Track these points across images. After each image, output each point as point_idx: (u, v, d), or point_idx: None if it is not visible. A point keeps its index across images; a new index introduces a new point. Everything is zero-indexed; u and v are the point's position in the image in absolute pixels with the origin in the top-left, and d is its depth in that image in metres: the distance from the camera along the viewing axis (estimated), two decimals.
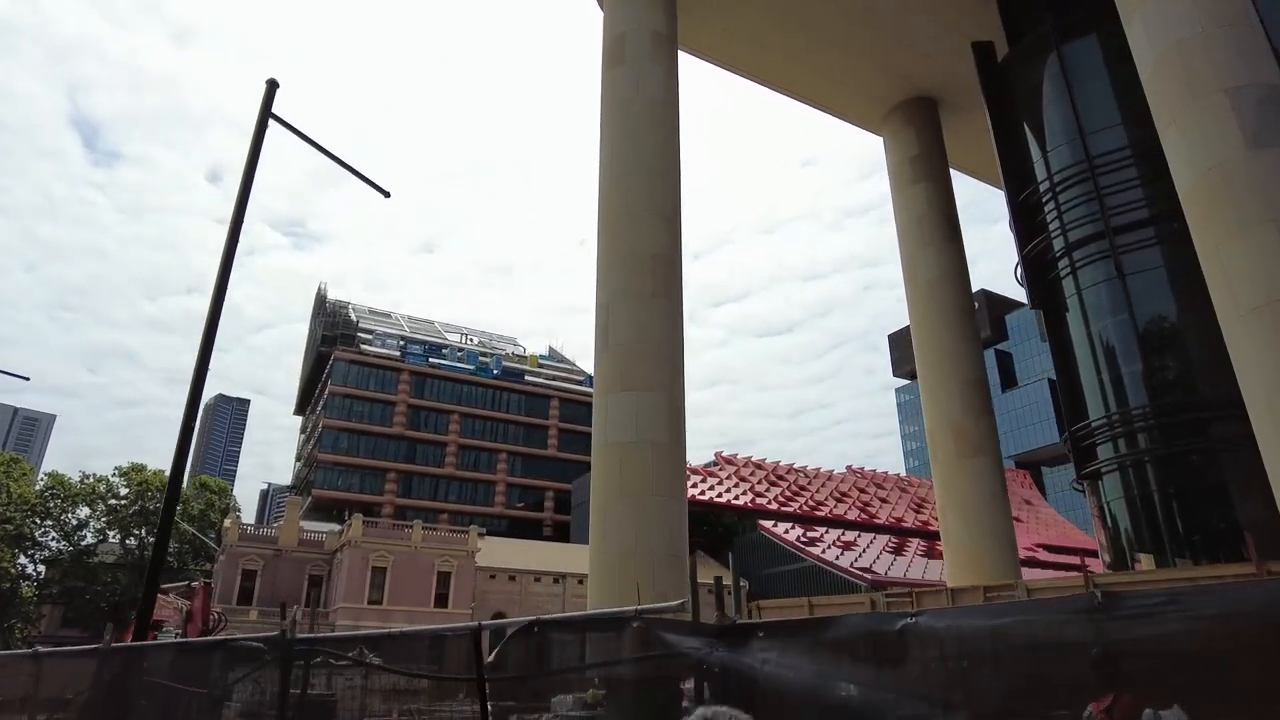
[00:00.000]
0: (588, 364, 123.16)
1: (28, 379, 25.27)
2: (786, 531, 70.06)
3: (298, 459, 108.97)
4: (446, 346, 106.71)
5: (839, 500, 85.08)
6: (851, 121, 32.17)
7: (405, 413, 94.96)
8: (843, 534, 71.96)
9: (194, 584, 19.48)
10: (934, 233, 27.71)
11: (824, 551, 64.56)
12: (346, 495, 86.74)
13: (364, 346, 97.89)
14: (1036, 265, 21.17)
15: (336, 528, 61.53)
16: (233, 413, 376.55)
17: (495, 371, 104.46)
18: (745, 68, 29.10)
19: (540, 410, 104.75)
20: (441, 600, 53.44)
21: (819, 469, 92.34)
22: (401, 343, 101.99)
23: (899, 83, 29.58)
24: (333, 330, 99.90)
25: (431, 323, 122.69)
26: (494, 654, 4.11)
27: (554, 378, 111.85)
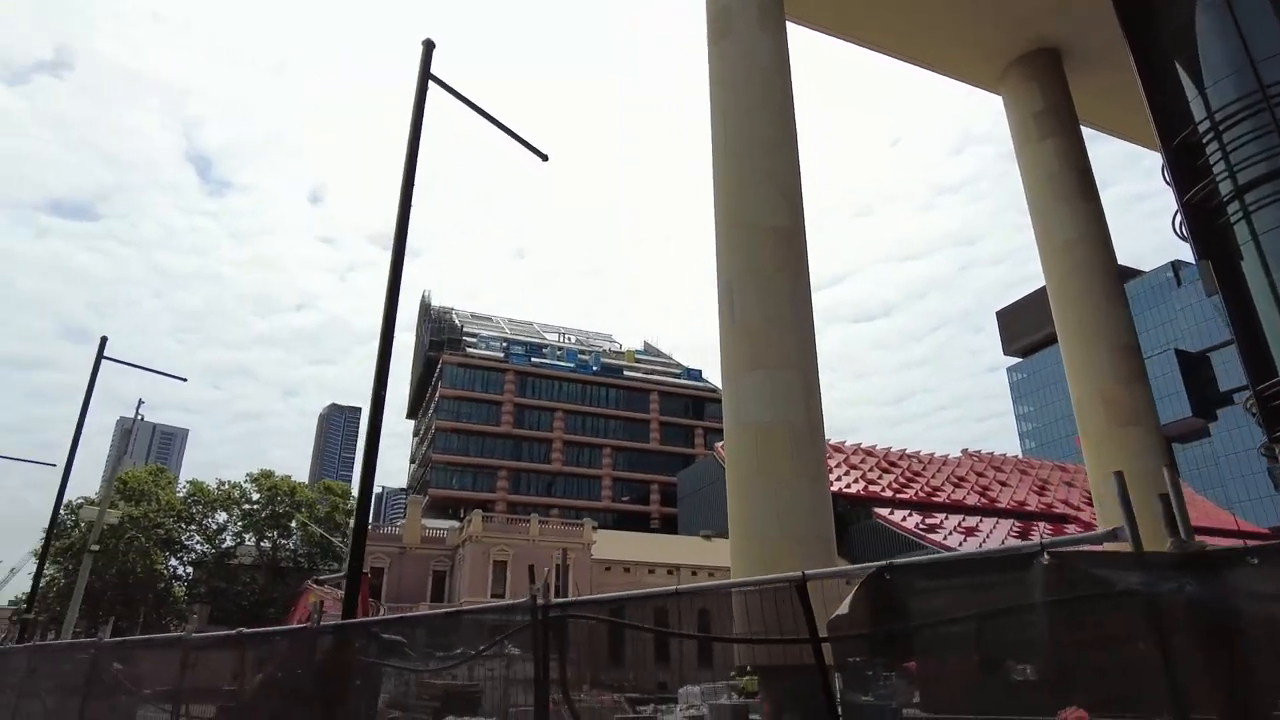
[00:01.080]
0: (683, 357, 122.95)
1: (185, 380, 27.79)
2: (904, 519, 67.57)
3: (412, 460, 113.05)
4: (546, 346, 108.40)
5: (956, 485, 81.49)
6: (966, 80, 30.43)
7: (511, 412, 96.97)
8: (963, 520, 68.85)
9: None
10: (1068, 190, 25.81)
11: (945, 538, 61.99)
12: (461, 494, 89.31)
13: (469, 350, 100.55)
14: (1200, 213, 19.26)
15: (455, 525, 63.28)
16: (345, 421, 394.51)
17: (595, 368, 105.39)
18: (853, 32, 27.87)
19: (640, 405, 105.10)
20: (560, 593, 54.04)
21: (932, 454, 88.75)
22: (504, 344, 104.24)
23: (1018, 35, 27.71)
24: (439, 335, 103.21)
25: (530, 324, 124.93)
26: (846, 604, 3.55)
27: (652, 372, 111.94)
